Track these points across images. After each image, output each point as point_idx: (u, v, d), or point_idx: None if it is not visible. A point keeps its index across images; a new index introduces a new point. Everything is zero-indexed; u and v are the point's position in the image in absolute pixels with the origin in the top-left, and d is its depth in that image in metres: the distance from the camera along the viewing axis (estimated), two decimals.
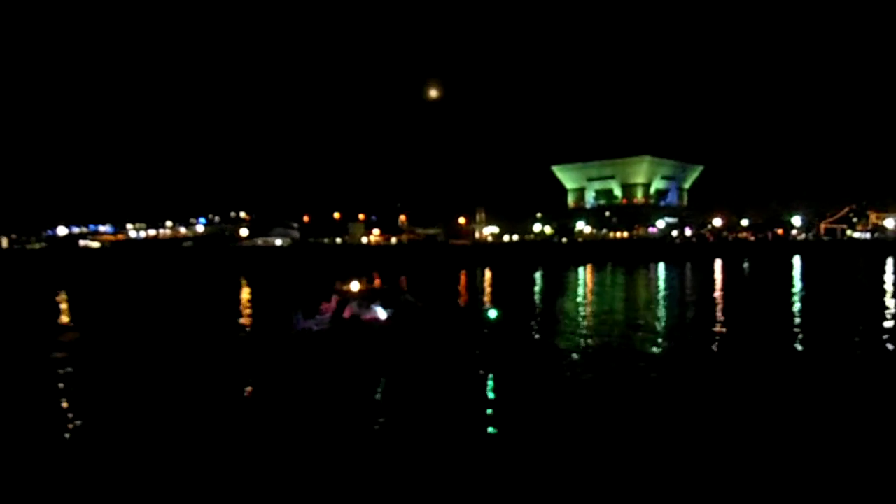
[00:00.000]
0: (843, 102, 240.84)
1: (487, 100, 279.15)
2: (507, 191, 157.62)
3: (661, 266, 69.91)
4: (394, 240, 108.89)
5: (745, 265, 71.38)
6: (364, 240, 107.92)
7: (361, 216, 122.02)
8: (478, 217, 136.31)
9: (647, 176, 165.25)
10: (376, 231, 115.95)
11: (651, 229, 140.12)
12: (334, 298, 19.51)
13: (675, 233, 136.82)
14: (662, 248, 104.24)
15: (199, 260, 72.04)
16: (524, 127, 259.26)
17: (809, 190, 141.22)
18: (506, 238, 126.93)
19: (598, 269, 65.57)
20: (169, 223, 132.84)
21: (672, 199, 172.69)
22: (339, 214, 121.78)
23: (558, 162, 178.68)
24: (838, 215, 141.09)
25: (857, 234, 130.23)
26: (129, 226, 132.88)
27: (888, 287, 42.12)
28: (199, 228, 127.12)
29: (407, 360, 17.93)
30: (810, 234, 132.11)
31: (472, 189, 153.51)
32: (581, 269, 65.20)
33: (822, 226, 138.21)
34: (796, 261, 79.36)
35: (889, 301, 33.70)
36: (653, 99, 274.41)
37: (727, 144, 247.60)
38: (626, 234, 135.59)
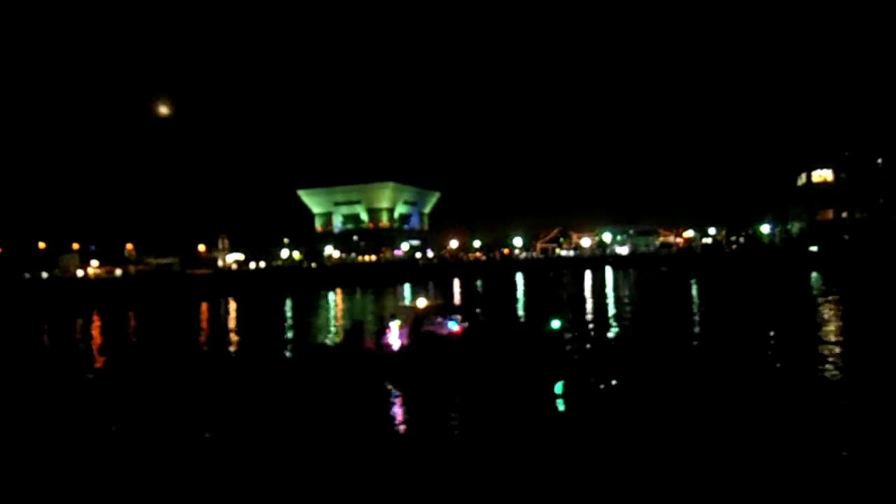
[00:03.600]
0: (548, 143, 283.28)
1: (227, 121, 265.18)
2: (251, 216, 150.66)
3: (407, 287, 73.34)
4: (118, 272, 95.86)
5: (479, 282, 78.72)
6: (80, 272, 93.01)
7: (76, 245, 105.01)
8: (220, 244, 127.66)
9: (391, 201, 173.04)
10: (95, 262, 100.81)
11: (397, 252, 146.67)
12: (408, 316, 19.47)
13: (418, 255, 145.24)
14: (408, 269, 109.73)
15: None
16: (268, 150, 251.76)
17: (527, 214, 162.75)
18: (252, 265, 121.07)
19: (348, 293, 66.10)
20: None
21: (414, 223, 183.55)
22: (44, 244, 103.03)
23: (304, 186, 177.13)
24: (549, 236, 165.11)
25: (563, 252, 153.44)
26: None
27: (587, 292, 50.85)
28: None
29: (484, 372, 18.01)
30: (529, 253, 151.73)
31: (212, 215, 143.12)
32: (331, 294, 65.05)
33: (538, 245, 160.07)
34: (518, 276, 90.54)
35: (588, 302, 41.17)
36: (394, 127, 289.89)
37: (460, 174, 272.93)
38: (373, 257, 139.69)
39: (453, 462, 11.62)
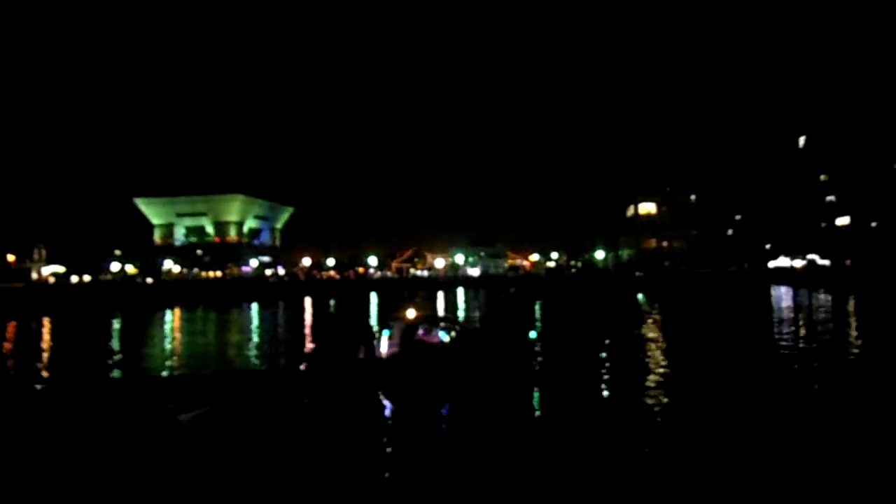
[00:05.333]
0: (403, 164, 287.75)
1: (50, 117, 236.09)
2: (76, 224, 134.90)
3: (255, 306, 69.75)
4: None
5: (332, 301, 77.09)
6: None
7: None
8: (36, 254, 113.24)
9: (240, 214, 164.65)
10: None
11: (245, 268, 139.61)
12: (397, 326, 19.67)
13: (269, 272, 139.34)
14: (256, 287, 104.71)
15: None
16: (100, 152, 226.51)
17: (382, 234, 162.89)
18: (74, 279, 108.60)
19: (188, 311, 61.44)
20: None
21: (265, 238, 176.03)
22: None
23: (143, 195, 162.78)
24: (405, 256, 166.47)
25: (418, 272, 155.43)
26: None
27: (440, 310, 52.21)
28: None
29: (471, 379, 18.65)
30: (384, 273, 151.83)
31: (27, 221, 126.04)
32: (169, 313, 60.03)
33: (394, 265, 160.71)
34: (373, 296, 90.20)
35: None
36: (245, 137, 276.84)
37: (313, 190, 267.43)
38: (219, 273, 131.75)
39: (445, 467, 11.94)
